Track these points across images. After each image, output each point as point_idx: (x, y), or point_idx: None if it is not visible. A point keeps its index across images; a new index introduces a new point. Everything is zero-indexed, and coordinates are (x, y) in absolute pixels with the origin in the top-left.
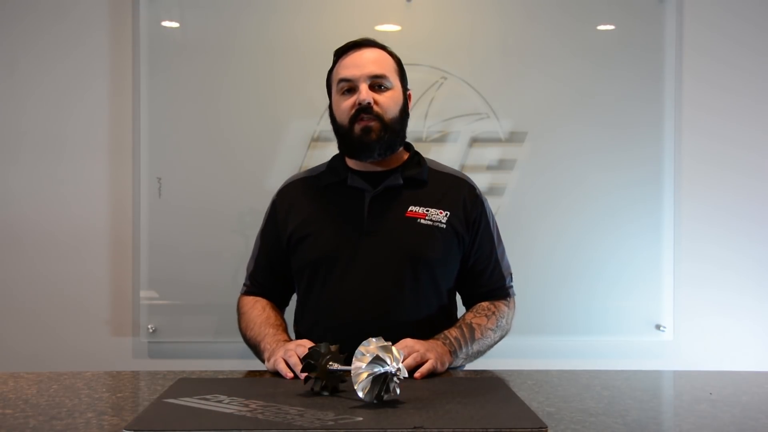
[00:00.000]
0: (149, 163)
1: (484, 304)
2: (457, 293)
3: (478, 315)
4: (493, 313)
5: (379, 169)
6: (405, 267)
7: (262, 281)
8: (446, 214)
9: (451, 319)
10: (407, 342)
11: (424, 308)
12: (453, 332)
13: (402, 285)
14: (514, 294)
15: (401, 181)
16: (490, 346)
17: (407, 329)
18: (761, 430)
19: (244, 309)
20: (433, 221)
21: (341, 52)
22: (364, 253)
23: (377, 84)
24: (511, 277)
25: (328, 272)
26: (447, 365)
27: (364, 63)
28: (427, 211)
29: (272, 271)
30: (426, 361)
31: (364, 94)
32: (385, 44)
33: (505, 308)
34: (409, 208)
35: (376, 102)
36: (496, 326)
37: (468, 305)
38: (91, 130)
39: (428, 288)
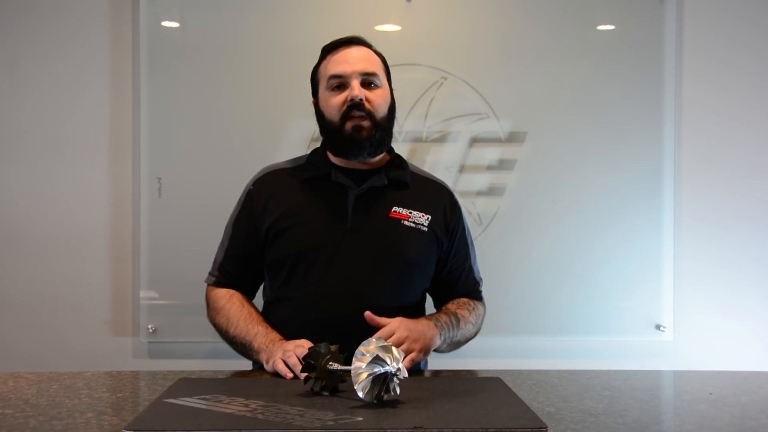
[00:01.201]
0: (149, 163)
1: (464, 299)
2: (429, 296)
3: (461, 307)
4: (474, 308)
5: (362, 167)
6: (387, 266)
7: (233, 272)
8: (428, 218)
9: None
10: (394, 325)
11: (400, 307)
12: (443, 317)
13: (383, 283)
14: (484, 299)
15: (386, 182)
16: (467, 340)
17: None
18: (761, 430)
19: (219, 303)
20: (416, 223)
21: (330, 49)
22: (348, 249)
23: (368, 81)
24: (482, 282)
25: (309, 266)
26: (430, 351)
27: (355, 60)
28: (410, 213)
29: (244, 262)
30: (410, 352)
31: (357, 90)
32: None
33: (482, 308)
34: (393, 209)
35: (367, 99)
36: (475, 321)
37: (440, 308)
38: (91, 130)
39: (407, 288)
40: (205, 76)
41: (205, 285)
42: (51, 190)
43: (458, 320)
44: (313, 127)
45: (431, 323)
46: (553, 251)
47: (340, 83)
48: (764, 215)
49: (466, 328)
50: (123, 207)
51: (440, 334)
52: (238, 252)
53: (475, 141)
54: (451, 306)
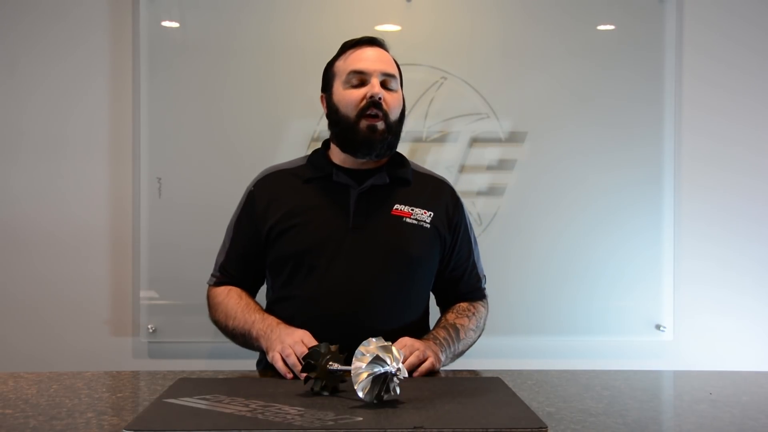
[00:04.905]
0: (149, 163)
1: (463, 305)
2: (432, 293)
3: (460, 316)
4: (473, 314)
5: (363, 166)
6: (390, 264)
7: (234, 273)
8: (430, 215)
9: (425, 317)
10: (406, 341)
11: (404, 305)
12: (441, 333)
13: (386, 281)
14: (487, 295)
15: (387, 180)
16: (470, 346)
17: (388, 325)
18: (761, 430)
19: (218, 299)
20: (418, 220)
21: (351, 45)
22: (350, 248)
23: (386, 83)
24: (485, 279)
25: (312, 265)
26: (439, 365)
27: (377, 60)
28: (413, 210)
29: (245, 263)
30: (426, 359)
31: (377, 88)
32: (385, 44)
33: (483, 309)
34: (395, 207)
35: (384, 99)
36: (476, 327)
37: (443, 306)
38: (91, 130)
39: (410, 285)
40: (205, 76)
41: (207, 286)
42: (51, 190)
43: (458, 331)
44: (313, 127)
45: (430, 342)
46: (553, 251)
47: (361, 80)
48: (764, 215)
49: (468, 337)
50: (123, 207)
51: (441, 351)
52: (239, 253)
53: (475, 141)
54: (450, 316)
